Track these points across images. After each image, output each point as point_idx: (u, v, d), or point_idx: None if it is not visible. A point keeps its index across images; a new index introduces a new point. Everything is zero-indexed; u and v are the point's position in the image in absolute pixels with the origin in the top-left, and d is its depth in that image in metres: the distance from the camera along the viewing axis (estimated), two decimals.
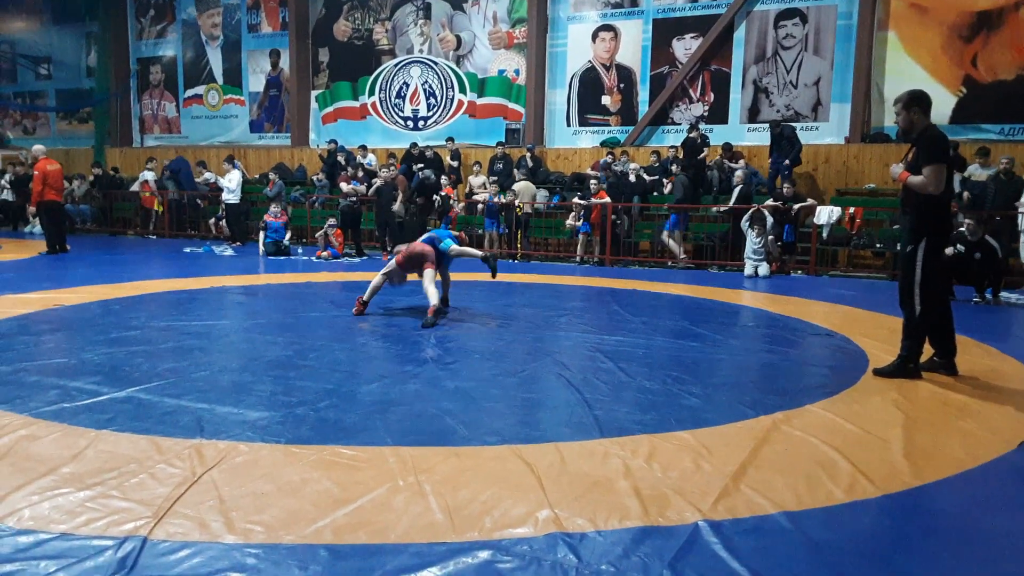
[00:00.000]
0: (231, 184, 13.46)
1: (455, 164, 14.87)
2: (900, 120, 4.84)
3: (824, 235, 11.22)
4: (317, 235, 13.01)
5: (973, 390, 4.55)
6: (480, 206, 13.10)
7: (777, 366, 5.22)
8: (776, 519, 2.74)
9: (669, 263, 11.97)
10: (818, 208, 11.28)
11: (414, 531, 2.60)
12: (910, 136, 4.84)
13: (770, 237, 10.75)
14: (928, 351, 4.96)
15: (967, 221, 8.48)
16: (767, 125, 13.16)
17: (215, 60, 18.95)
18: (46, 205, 11.77)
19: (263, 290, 8.76)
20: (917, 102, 4.75)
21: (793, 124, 12.63)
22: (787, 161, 11.96)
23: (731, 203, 11.54)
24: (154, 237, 15.87)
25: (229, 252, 12.77)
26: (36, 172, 11.89)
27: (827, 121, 13.18)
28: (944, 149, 4.65)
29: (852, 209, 11.44)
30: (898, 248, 5.37)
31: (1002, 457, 3.43)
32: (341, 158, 15.35)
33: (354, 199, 12.96)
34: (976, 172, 10.96)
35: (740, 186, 11.54)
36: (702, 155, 12.60)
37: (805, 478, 3.11)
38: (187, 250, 13.20)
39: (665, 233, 11.94)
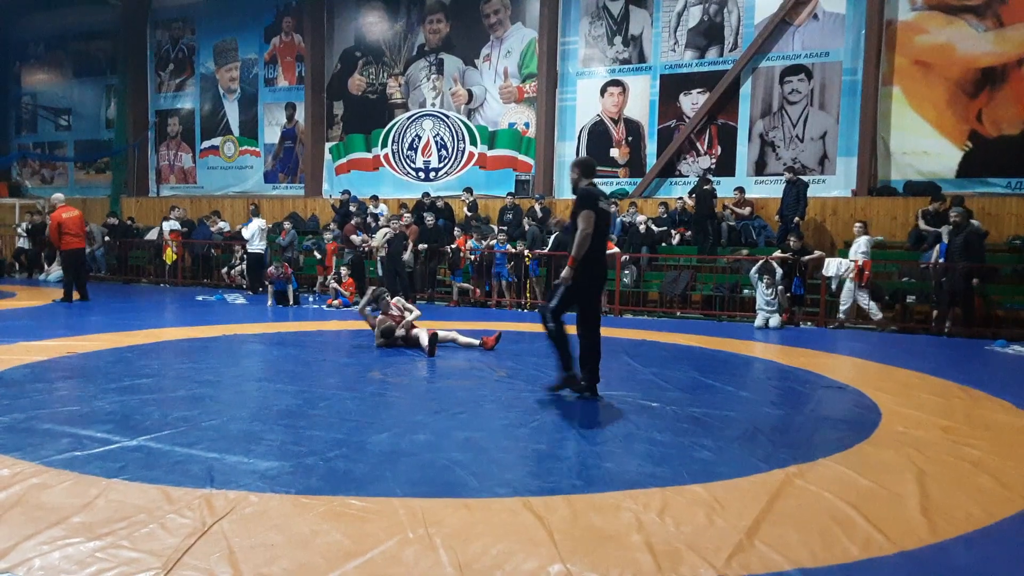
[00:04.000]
0: (246, 234, 13.76)
1: (470, 215, 14.91)
2: (571, 178, 5.81)
3: (833, 287, 11.22)
4: (329, 282, 13.11)
5: (988, 445, 4.50)
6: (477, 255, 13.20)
7: (789, 419, 5.19)
8: None
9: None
10: (827, 260, 11.31)
11: None
12: (574, 191, 5.71)
13: (779, 288, 10.77)
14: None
15: None
16: (775, 178, 13.32)
17: (232, 112, 19.37)
18: (66, 253, 11.93)
19: (274, 339, 8.80)
20: (578, 165, 5.82)
21: (806, 179, 12.76)
22: (796, 219, 12.10)
23: (547, 249, 12.34)
24: (166, 285, 16.05)
25: (241, 301, 12.87)
26: (51, 220, 12.03)
27: (834, 174, 13.30)
28: (586, 200, 5.46)
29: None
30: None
31: (1019, 514, 3.39)
32: (353, 208, 15.54)
33: (362, 249, 13.11)
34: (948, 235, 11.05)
35: (556, 233, 12.42)
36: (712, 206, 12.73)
37: (820, 534, 3.07)
38: (200, 298, 13.30)
39: (534, 278, 12.75)
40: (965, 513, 3.36)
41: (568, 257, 5.48)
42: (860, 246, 11.00)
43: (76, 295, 11.88)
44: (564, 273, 5.48)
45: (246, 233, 13.80)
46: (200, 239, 16.23)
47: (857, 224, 11.36)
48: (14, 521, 3.03)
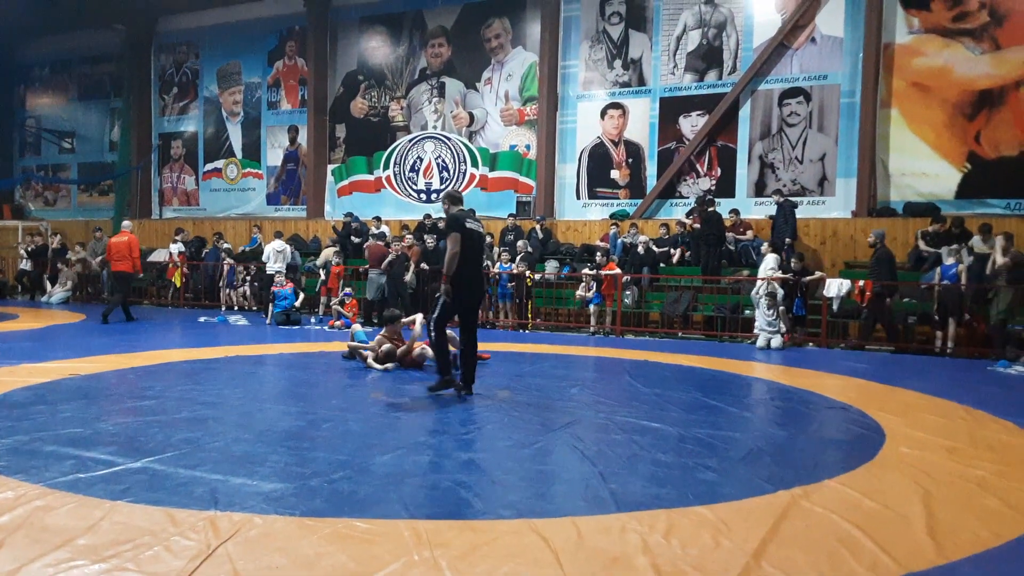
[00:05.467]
0: (262, 256, 13.99)
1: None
2: (444, 208, 6.62)
3: (834, 308, 11.23)
4: (332, 303, 13.12)
5: (994, 466, 4.48)
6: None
7: (793, 439, 5.18)
8: None
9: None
10: (828, 281, 11.33)
11: None
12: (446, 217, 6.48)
13: (781, 308, 10.78)
14: None
15: None
16: (772, 199, 13.41)
17: (235, 135, 19.51)
18: (112, 275, 13.05)
19: (276, 360, 8.80)
20: (447, 197, 6.59)
21: (794, 200, 12.89)
22: (788, 239, 12.17)
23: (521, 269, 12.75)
24: (171, 307, 16.07)
25: (243, 322, 12.89)
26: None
27: (833, 196, 13.36)
28: (453, 224, 6.23)
29: (861, 282, 11.47)
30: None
31: None
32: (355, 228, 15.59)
33: (384, 271, 13.19)
34: (978, 245, 11.08)
35: (523, 254, 13.17)
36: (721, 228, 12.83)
37: (827, 556, 3.06)
38: (202, 320, 13.31)
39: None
40: (972, 534, 3.35)
41: (442, 274, 6.31)
42: (768, 263, 11.37)
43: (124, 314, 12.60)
44: (442, 288, 6.31)
45: (265, 256, 14.10)
46: (211, 261, 16.25)
47: (764, 243, 11.82)
48: (18, 544, 3.03)
